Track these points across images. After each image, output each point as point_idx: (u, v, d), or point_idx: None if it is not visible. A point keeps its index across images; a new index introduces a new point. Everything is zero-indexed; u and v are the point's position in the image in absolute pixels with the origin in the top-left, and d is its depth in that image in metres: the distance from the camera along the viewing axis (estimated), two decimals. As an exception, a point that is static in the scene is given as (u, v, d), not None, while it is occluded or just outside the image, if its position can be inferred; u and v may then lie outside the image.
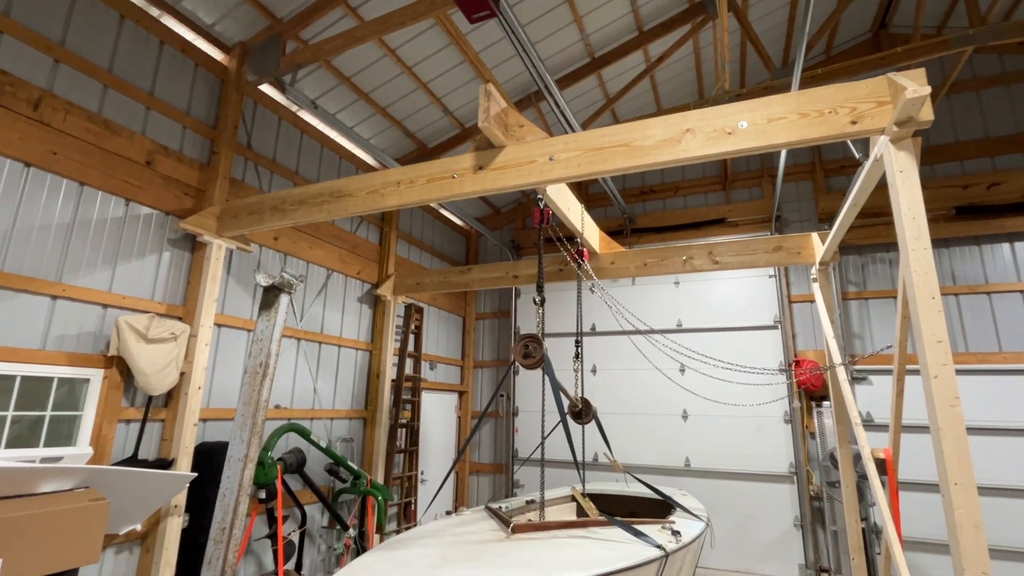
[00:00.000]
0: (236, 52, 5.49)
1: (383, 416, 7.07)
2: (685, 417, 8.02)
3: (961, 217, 7.33)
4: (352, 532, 5.85)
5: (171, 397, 4.66)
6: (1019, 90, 7.65)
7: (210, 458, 4.76)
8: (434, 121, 7.60)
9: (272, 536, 4.93)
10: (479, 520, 4.27)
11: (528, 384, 9.21)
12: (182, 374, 4.62)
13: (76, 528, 2.94)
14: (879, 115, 3.02)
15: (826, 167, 8.33)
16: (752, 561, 7.27)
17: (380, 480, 6.89)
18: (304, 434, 5.50)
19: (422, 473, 8.06)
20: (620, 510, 6.71)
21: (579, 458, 6.15)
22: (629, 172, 3.66)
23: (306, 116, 6.54)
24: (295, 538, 5.35)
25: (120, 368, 4.28)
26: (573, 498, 6.60)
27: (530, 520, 4.14)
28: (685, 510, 5.06)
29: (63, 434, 4.02)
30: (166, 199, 4.84)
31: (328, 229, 6.78)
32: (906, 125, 2.88)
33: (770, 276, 8.07)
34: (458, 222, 10.03)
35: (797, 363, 7.44)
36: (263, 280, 4.10)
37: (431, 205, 9.14)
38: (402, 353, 7.69)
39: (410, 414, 7.88)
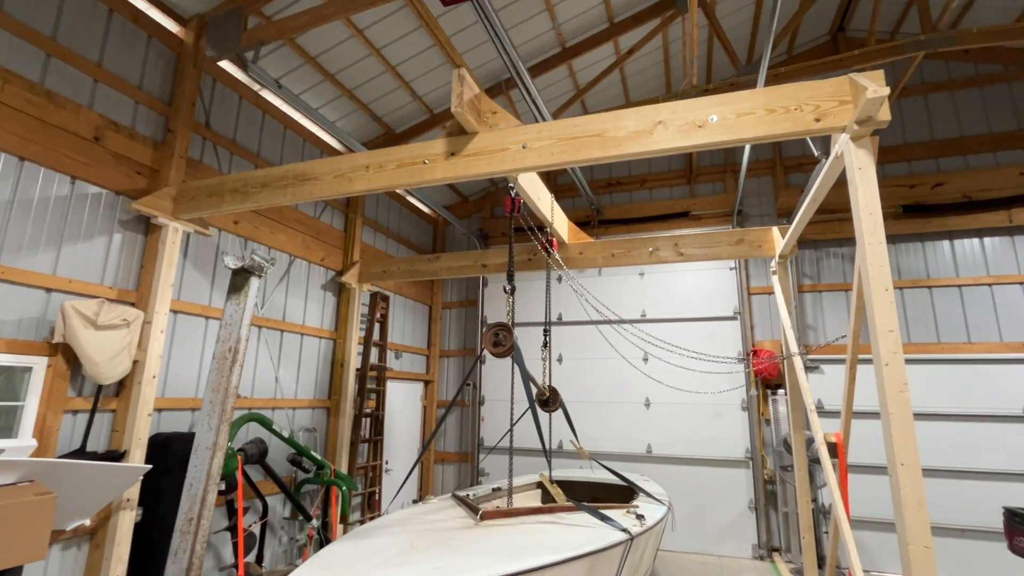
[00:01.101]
0: (193, 25, 5.22)
1: (347, 406, 6.96)
2: (648, 405, 8.22)
3: (907, 215, 7.74)
4: (315, 523, 5.75)
5: (123, 386, 4.45)
6: (962, 96, 8.10)
7: (165, 449, 4.57)
8: (402, 106, 7.44)
9: (232, 528, 4.79)
10: (447, 508, 4.27)
11: (494, 373, 9.23)
12: (135, 362, 4.41)
13: (20, 524, 2.78)
14: (841, 113, 3.14)
15: (786, 164, 8.61)
16: (709, 543, 7.56)
17: (344, 470, 6.80)
18: (266, 424, 5.36)
19: (387, 463, 7.99)
20: (584, 496, 6.85)
21: (547, 445, 6.22)
22: (602, 162, 3.68)
23: (269, 96, 6.29)
24: (256, 530, 5.22)
25: (67, 356, 4.04)
26: (539, 485, 6.68)
27: (498, 507, 4.17)
28: (648, 495, 5.20)
29: (2, 426, 3.78)
30: (116, 178, 4.58)
31: (291, 214, 6.58)
32: (866, 124, 3.01)
33: (731, 268, 8.32)
34: (426, 210, 9.90)
35: (755, 352, 7.72)
36: (232, 262, 3.94)
37: (398, 192, 8.98)
38: (367, 342, 7.57)
39: (375, 403, 7.78)
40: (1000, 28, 5.49)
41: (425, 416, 9.45)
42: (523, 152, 3.74)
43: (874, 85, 2.85)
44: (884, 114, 2.97)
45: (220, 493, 4.76)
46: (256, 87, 6.16)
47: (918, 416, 7.07)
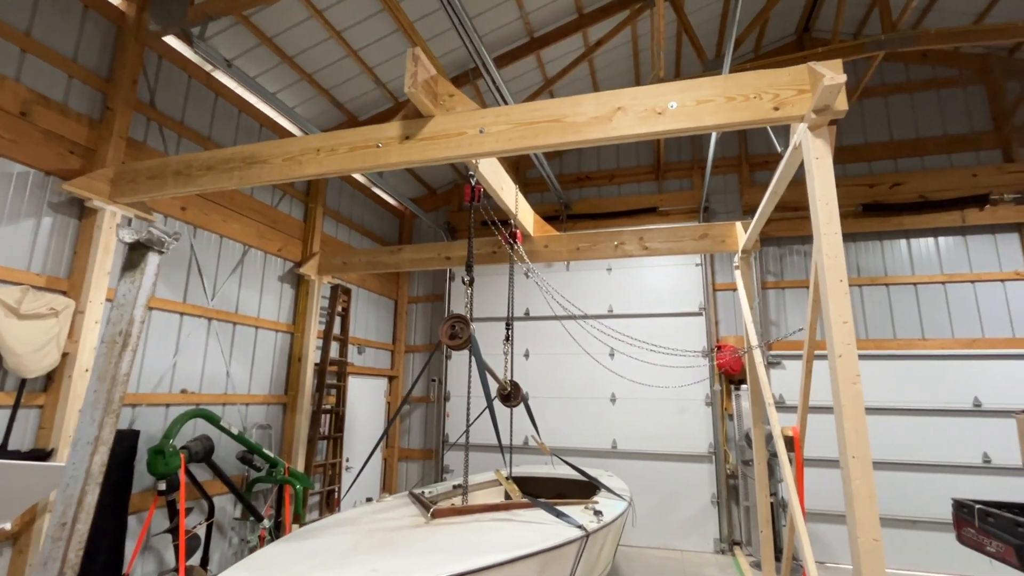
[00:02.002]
0: (136, -3, 4.91)
1: (304, 401, 6.72)
2: (613, 400, 8.20)
3: (867, 214, 7.88)
4: (267, 523, 5.52)
5: (51, 380, 4.15)
6: (920, 98, 8.29)
7: (100, 448, 4.29)
8: (365, 92, 7.21)
9: (173, 530, 4.54)
10: (401, 506, 4.12)
11: (460, 368, 9.09)
12: (65, 355, 4.12)
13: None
14: (799, 102, 3.10)
15: (751, 161, 8.69)
16: (672, 537, 7.58)
17: (301, 468, 6.56)
18: (213, 420, 5.10)
19: (347, 460, 7.77)
20: (548, 492, 6.77)
21: (503, 441, 6.11)
22: (560, 148, 3.58)
23: (221, 77, 6.00)
24: (201, 531, 4.97)
25: (-15, 347, 3.73)
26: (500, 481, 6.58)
27: (453, 504, 4.04)
28: (609, 490, 5.15)
29: (-90, 423, 3.46)
30: (46, 157, 4.26)
31: (245, 201, 6.29)
32: (823, 113, 2.97)
33: (696, 265, 8.35)
34: (392, 202, 9.67)
35: (719, 348, 7.76)
36: (127, 236, 3.60)
37: (362, 182, 8.73)
38: (327, 336, 7.33)
39: (335, 399, 7.55)
40: (956, 30, 5.60)
41: (389, 412, 9.24)
42: (480, 137, 3.60)
43: (831, 73, 2.81)
44: (841, 103, 2.94)
45: (160, 493, 4.50)
46: (208, 67, 5.86)
47: (875, 411, 7.22)
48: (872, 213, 7.87)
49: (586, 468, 7.18)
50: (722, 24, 8.13)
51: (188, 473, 4.74)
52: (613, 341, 7.62)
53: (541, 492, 6.83)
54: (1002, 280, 7.32)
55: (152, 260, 3.73)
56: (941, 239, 7.69)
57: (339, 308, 7.60)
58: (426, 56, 3.64)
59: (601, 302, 8.62)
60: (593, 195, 9.36)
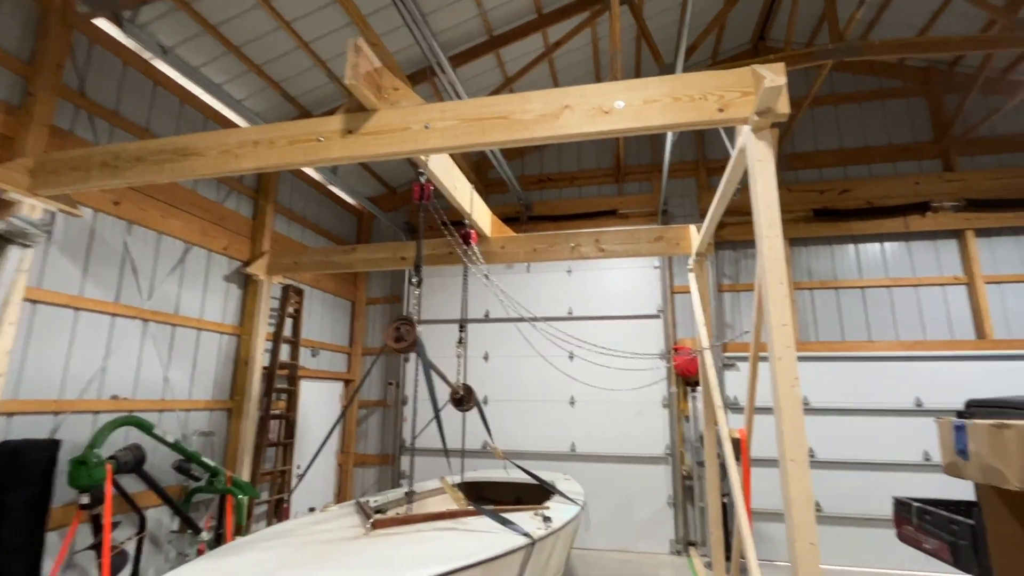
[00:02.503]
0: (62, -24, 4.59)
1: (251, 407, 6.43)
2: (573, 403, 8.17)
3: (817, 219, 8.10)
4: (206, 536, 5.24)
5: (-44, 387, 3.81)
6: (867, 108, 8.59)
7: (14, 459, 3.98)
8: (319, 86, 6.98)
9: (97, 546, 4.24)
10: (344, 516, 3.95)
11: (418, 371, 8.89)
12: (-28, 359, 3.79)
13: None
14: (743, 104, 3.09)
15: (709, 166, 8.82)
16: (628, 540, 7.59)
17: (246, 477, 6.27)
18: (145, 428, 4.81)
19: (298, 468, 7.49)
20: (506, 497, 6.68)
21: (459, 446, 5.99)
22: (508, 145, 3.50)
23: (162, 66, 5.68)
24: (130, 547, 4.66)
25: None
26: (457, 487, 6.45)
27: (397, 514, 3.90)
28: (562, 495, 5.09)
29: None
30: (-46, 144, 3.92)
31: (187, 196, 5.98)
32: (765, 116, 2.98)
33: (655, 267, 8.42)
34: (349, 200, 9.42)
35: (676, 350, 7.83)
36: None
37: (317, 179, 8.47)
38: (276, 338, 7.05)
39: (286, 404, 7.27)
40: (899, 41, 5.78)
41: (345, 417, 8.97)
42: (426, 132, 3.48)
43: (772, 75, 2.82)
44: (783, 106, 2.95)
45: (83, 507, 4.20)
46: (148, 55, 5.54)
47: (825, 411, 7.41)
48: (823, 218, 8.10)
49: (545, 471, 7.13)
50: (681, 28, 8.22)
51: (115, 485, 4.44)
52: (570, 343, 7.58)
53: (499, 497, 6.74)
54: (942, 285, 7.62)
55: (13, 254, 3.40)
56: (887, 244, 7.96)
57: (290, 309, 7.33)
58: (369, 48, 3.50)
59: (561, 304, 8.59)
60: (554, 197, 9.33)
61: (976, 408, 3.90)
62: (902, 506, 4.43)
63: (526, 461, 8.02)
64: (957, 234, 7.71)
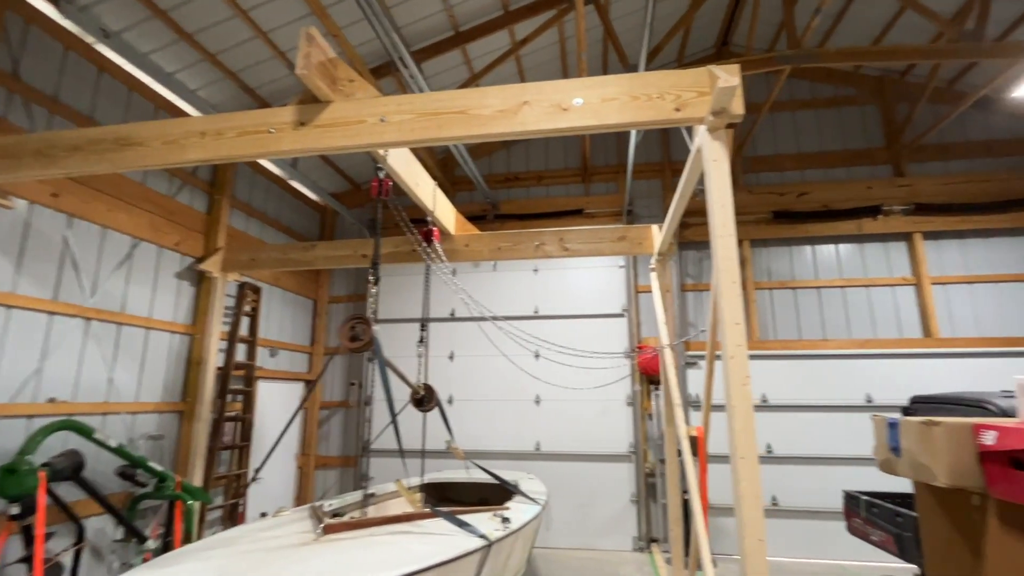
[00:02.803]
0: (-7, -49, 4.31)
1: (204, 409, 6.19)
2: (538, 402, 8.17)
3: (777, 221, 8.31)
4: (152, 544, 5.01)
5: None
6: (824, 114, 8.85)
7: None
8: (279, 78, 6.77)
9: (29, 559, 3.99)
10: (296, 521, 3.82)
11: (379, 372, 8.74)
12: None
13: None
14: (699, 104, 3.11)
15: (674, 167, 8.95)
16: (592, 538, 7.63)
17: (198, 481, 6.03)
18: (84, 432, 4.55)
19: (256, 471, 7.24)
20: (470, 497, 6.63)
21: (411, 447, 5.90)
22: (466, 141, 3.44)
23: (106, 51, 5.40)
24: (67, 558, 4.41)
25: None
26: (421, 488, 6.36)
27: (352, 518, 3.79)
28: (523, 494, 5.06)
29: None
30: None
31: (135, 189, 5.71)
32: (720, 116, 3.00)
33: (620, 267, 8.49)
34: (312, 196, 9.18)
35: (640, 348, 7.91)
36: None
37: (278, 174, 8.22)
38: (231, 337, 6.81)
39: (242, 406, 7.03)
40: (852, 49, 5.97)
41: (307, 419, 8.75)
42: (381, 126, 3.39)
43: (726, 75, 2.84)
44: (737, 107, 2.98)
45: (13, 518, 3.94)
46: (91, 39, 5.26)
47: (782, 408, 7.59)
48: (782, 220, 8.31)
49: (509, 471, 7.10)
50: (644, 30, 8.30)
51: (50, 493, 4.19)
52: (537, 343, 7.58)
53: (463, 498, 6.68)
54: (892, 285, 7.92)
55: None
56: (841, 246, 8.22)
57: (247, 308, 7.09)
58: (323, 38, 3.38)
59: (527, 303, 8.58)
60: (521, 196, 9.31)
61: (920, 404, 4.05)
62: (851, 499, 4.56)
63: (491, 461, 7.98)
64: (906, 237, 8.02)
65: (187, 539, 5.20)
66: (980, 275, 7.73)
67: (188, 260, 6.45)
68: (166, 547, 5.29)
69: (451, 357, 8.53)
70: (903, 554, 3.82)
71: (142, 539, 4.96)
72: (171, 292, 6.19)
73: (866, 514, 4.33)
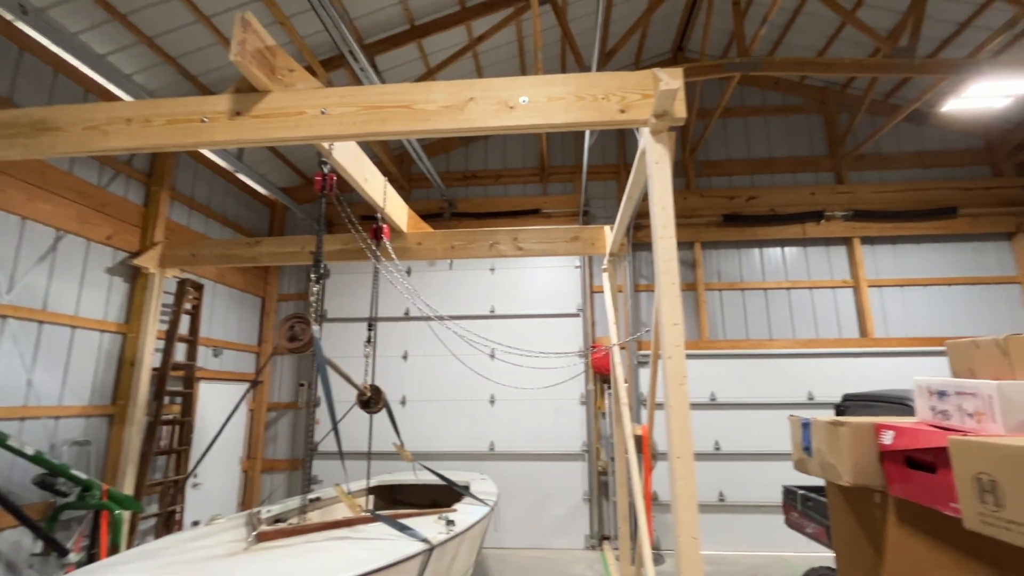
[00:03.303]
0: None
1: (138, 412, 5.86)
2: (493, 402, 8.13)
3: (727, 224, 8.55)
4: (74, 557, 4.69)
5: None
6: (772, 121, 9.17)
7: None
8: (224, 65, 6.48)
9: (-71, 578, 3.66)
10: (230, 529, 3.65)
11: (332, 372, 8.51)
12: None
13: None
14: (644, 106, 3.14)
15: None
16: (545, 536, 7.65)
17: (129, 489, 5.70)
18: (-4, 439, 4.22)
19: (195, 476, 6.93)
20: (422, 499, 6.54)
21: (342, 449, 5.76)
22: (410, 136, 3.36)
23: (27, 28, 5.02)
24: (-25, 576, 4.08)
25: None
26: (371, 491, 6.23)
27: (290, 524, 3.65)
28: (472, 495, 5.01)
29: None
30: None
31: (60, 178, 5.34)
32: (663, 118, 3.03)
33: (576, 267, 8.55)
34: (262, 191, 8.84)
35: (594, 347, 7.98)
36: None
37: (224, 166, 7.87)
38: (170, 336, 6.47)
39: (181, 408, 6.70)
40: (796, 60, 6.19)
41: (253, 421, 8.43)
42: (322, 118, 3.27)
43: (668, 78, 2.87)
44: (679, 110, 3.01)
45: (-90, 533, 3.61)
46: (8, 15, 4.88)
47: (730, 406, 7.81)
48: (732, 223, 8.55)
49: (463, 472, 7.05)
50: (604, 33, 8.39)
51: (-45, 505, 3.87)
52: (492, 343, 7.54)
53: (414, 500, 6.58)
54: (833, 287, 8.28)
55: None
56: (787, 249, 8.53)
57: (187, 305, 6.76)
58: (259, 24, 3.23)
59: (484, 302, 8.53)
60: (479, 194, 9.25)
61: (851, 401, 4.22)
62: (789, 494, 4.72)
63: (446, 462, 7.91)
64: (846, 241, 8.39)
65: (113, 551, 4.90)
66: (912, 279, 8.17)
67: (122, 255, 6.10)
68: (91, 559, 4.96)
69: (405, 357, 8.39)
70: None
71: (63, 552, 4.64)
72: (101, 288, 5.83)
73: (802, 508, 4.49)
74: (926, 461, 1.18)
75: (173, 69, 6.20)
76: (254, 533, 3.16)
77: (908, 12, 6.42)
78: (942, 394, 1.28)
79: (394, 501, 6.64)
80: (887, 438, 1.28)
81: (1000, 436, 1.05)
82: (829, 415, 2.50)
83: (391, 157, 8.67)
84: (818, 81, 9.10)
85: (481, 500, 4.89)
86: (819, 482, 5.64)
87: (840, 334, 8.10)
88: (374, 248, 5.14)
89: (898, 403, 3.41)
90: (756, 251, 8.60)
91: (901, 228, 8.26)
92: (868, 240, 8.36)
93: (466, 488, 5.28)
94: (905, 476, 1.22)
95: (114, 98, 5.95)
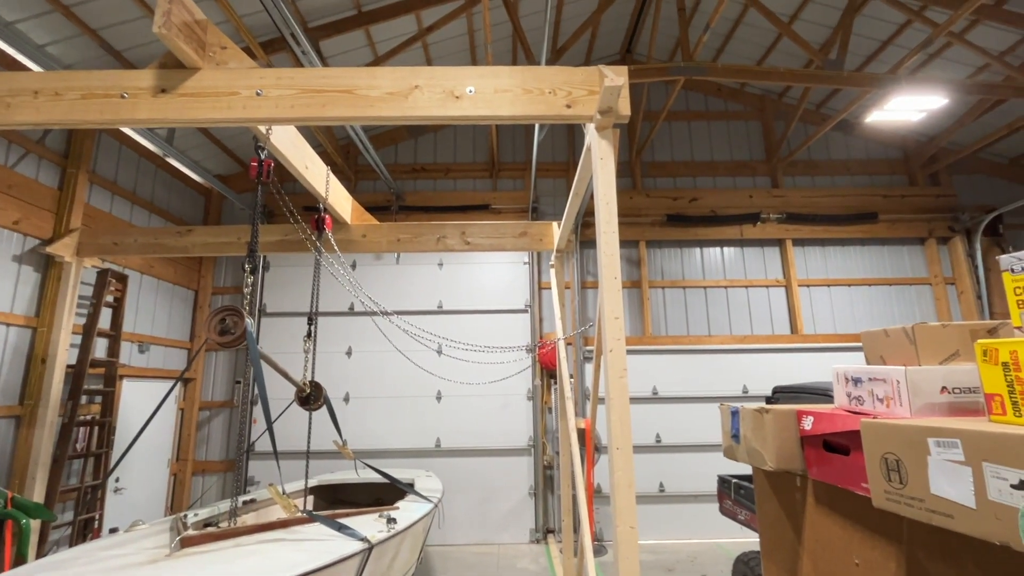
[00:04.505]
0: None
1: (49, 412, 5.40)
2: (439, 398, 8.04)
3: (671, 224, 8.82)
4: (-28, 573, 4.26)
5: None
6: (715, 126, 9.53)
7: None
8: (152, 41, 6.05)
9: None
10: (152, 535, 3.41)
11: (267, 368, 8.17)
12: None
13: None
14: (589, 103, 3.17)
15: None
16: (491, 532, 7.66)
17: (39, 496, 5.25)
18: None
19: (116, 480, 6.47)
20: (365, 498, 6.39)
21: (277, 448, 5.57)
22: (352, 122, 3.25)
23: (-82, -14, 4.51)
24: None
25: None
26: (312, 491, 6.03)
27: (220, 528, 3.46)
28: (416, 493, 4.93)
29: None
30: None
31: (-42, 156, 4.84)
32: (607, 115, 3.06)
33: (524, 263, 8.58)
34: (196, 178, 8.34)
35: (542, 343, 8.04)
36: None
37: (152, 149, 7.37)
38: (88, 331, 6.01)
39: (100, 408, 6.24)
40: (736, 67, 6.44)
41: (183, 420, 7.96)
42: (257, 100, 3.11)
43: (613, 75, 2.90)
44: (624, 107, 3.06)
45: None
46: None
47: (671, 399, 8.07)
48: (675, 223, 8.83)
49: (409, 469, 6.94)
50: (556, 31, 8.45)
51: None
52: (438, 339, 7.45)
53: (357, 499, 6.42)
54: (767, 286, 8.70)
55: None
56: (725, 249, 8.90)
57: (109, 298, 6.29)
58: (191, 3, 3.03)
59: (431, 297, 8.42)
60: (428, 188, 9.11)
61: (780, 393, 4.45)
62: (724, 483, 4.92)
63: (391, 459, 7.76)
64: (779, 243, 8.84)
65: (19, 563, 4.50)
66: (837, 279, 8.71)
67: (32, 242, 5.60)
68: (-7, 574, 4.53)
69: (349, 353, 8.16)
70: (764, 531, 4.20)
71: (-42, 567, 4.22)
72: (8, 278, 5.33)
73: (735, 496, 4.70)
74: (841, 444, 1.25)
75: (93, 42, 5.73)
76: (178, 538, 2.97)
77: (837, 28, 6.82)
78: (857, 381, 1.35)
79: (336, 501, 6.45)
80: (807, 423, 1.34)
81: (906, 418, 1.12)
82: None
83: (336, 147, 8.39)
84: (757, 89, 9.53)
85: (425, 497, 4.82)
86: (750, 470, 5.94)
87: (773, 330, 8.53)
88: (315, 240, 4.94)
89: (821, 394, 3.61)
90: (697, 250, 8.91)
91: (829, 231, 8.79)
92: (799, 242, 8.84)
93: (410, 485, 5.19)
94: (823, 459, 1.28)
95: (24, 70, 5.44)
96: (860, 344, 1.52)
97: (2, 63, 5.24)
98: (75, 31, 5.54)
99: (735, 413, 1.62)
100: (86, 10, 5.41)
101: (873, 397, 1.26)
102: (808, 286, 8.69)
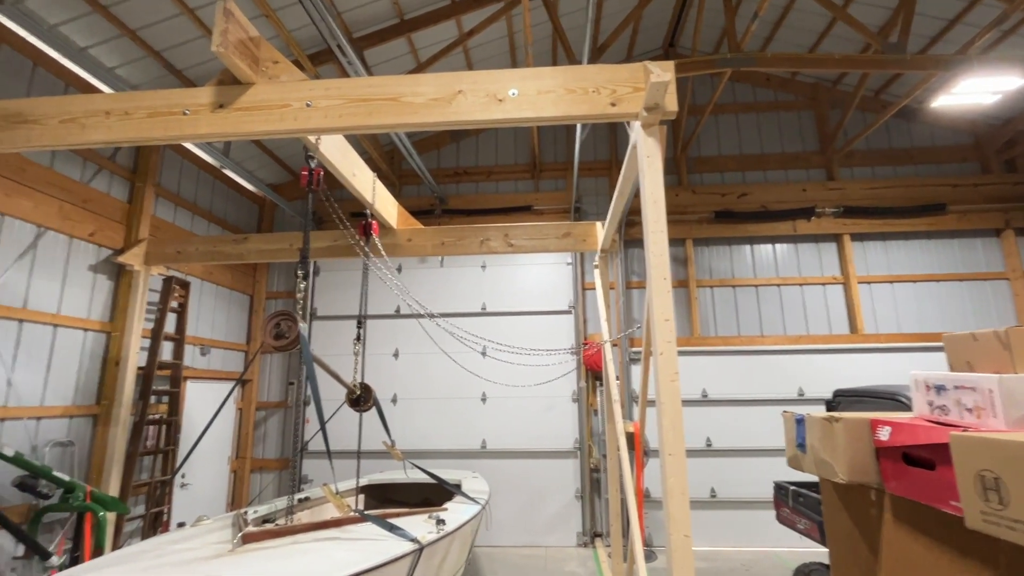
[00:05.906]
0: None
1: (123, 412, 5.75)
2: (484, 400, 8.08)
3: (719, 220, 8.54)
4: (57, 560, 4.60)
5: None
6: (764, 118, 9.16)
7: None
8: (209, 59, 6.36)
9: (-96, 584, 3.57)
10: (216, 530, 3.58)
11: (320, 370, 8.43)
12: None
13: None
14: (635, 100, 3.10)
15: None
16: (538, 534, 7.63)
17: (115, 490, 5.61)
18: (-27, 441, 4.12)
19: (183, 476, 6.84)
20: (414, 498, 6.49)
21: (330, 449, 5.72)
22: (398, 129, 3.30)
23: (2, 19, 4.89)
24: (-48, 581, 3.98)
25: None
26: (362, 490, 6.18)
27: (278, 525, 3.59)
28: (463, 494, 4.97)
29: None
30: None
31: (41, 173, 5.22)
32: (654, 112, 2.99)
33: (568, 264, 8.51)
34: (250, 187, 8.72)
35: (586, 344, 7.95)
36: None
37: (210, 162, 7.75)
38: (156, 335, 6.37)
39: (167, 408, 6.60)
40: (787, 55, 6.17)
41: (241, 420, 8.33)
42: (307, 111, 3.21)
43: (659, 71, 2.83)
44: (671, 103, 2.98)
45: None
46: (-14, 6, 4.75)
47: (721, 402, 7.82)
48: (723, 220, 8.55)
49: (455, 470, 6.99)
50: (596, 29, 8.35)
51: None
52: (483, 340, 7.48)
53: (406, 499, 6.53)
54: (823, 284, 8.30)
55: None
56: (777, 246, 8.54)
57: (173, 304, 6.65)
58: (242, 14, 3.16)
59: (475, 299, 8.47)
60: (470, 191, 9.18)
61: (841, 397, 4.22)
62: (781, 490, 4.72)
63: (437, 460, 7.86)
64: (836, 238, 8.41)
65: (97, 553, 4.81)
66: (900, 275, 8.21)
67: (106, 252, 5.98)
68: (75, 562, 4.87)
69: (396, 355, 8.32)
70: (826, 541, 3.99)
71: (46, 555, 4.55)
72: (84, 287, 5.72)
73: (793, 504, 4.49)
74: (924, 458, 1.15)
75: (157, 63, 6.08)
76: (240, 534, 3.10)
77: (898, 8, 6.42)
78: (940, 389, 1.25)
79: (385, 500, 6.58)
80: (884, 434, 1.24)
81: (1003, 432, 1.02)
82: (820, 411, 2.48)
83: (381, 153, 8.58)
84: (809, 77, 9.11)
85: (472, 498, 4.85)
86: (809, 478, 5.66)
87: (830, 330, 8.13)
88: (363, 245, 5.06)
89: (889, 398, 3.40)
90: (747, 248, 8.60)
91: (891, 224, 8.30)
92: (858, 237, 8.38)
93: (457, 486, 5.24)
94: (902, 473, 1.19)
95: (96, 92, 5.82)
96: (929, 344, 1.41)
97: (77, 86, 5.62)
98: (141, 53, 5.89)
99: (800, 421, 1.53)
100: (150, 33, 5.74)
101: (960, 407, 1.15)
102: (868, 283, 8.23)
